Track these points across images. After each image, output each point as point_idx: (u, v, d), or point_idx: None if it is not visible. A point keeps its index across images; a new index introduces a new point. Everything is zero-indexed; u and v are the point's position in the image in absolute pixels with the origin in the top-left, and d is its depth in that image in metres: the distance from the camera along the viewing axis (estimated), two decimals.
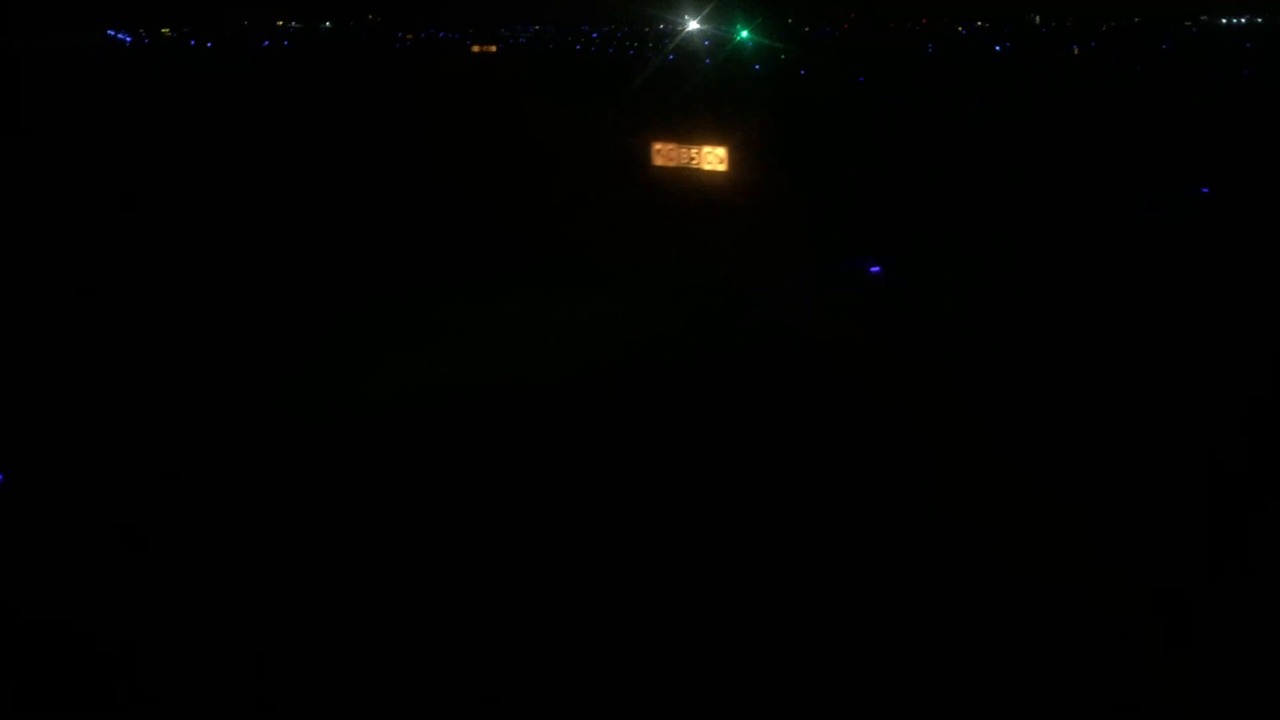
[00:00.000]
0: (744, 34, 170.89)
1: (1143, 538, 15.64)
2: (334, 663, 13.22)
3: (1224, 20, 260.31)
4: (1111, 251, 32.43)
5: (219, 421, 20.20)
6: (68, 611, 14.20)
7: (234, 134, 66.28)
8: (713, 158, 45.94)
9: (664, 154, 47.56)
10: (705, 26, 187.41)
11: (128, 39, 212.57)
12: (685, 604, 14.22)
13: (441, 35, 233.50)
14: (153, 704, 12.59)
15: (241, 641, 13.57)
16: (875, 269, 30.02)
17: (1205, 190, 40.63)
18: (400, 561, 15.47)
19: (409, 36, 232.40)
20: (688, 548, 15.65)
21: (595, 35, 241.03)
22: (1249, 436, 18.99)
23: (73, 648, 13.54)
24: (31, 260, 32.59)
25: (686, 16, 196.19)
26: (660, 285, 29.15)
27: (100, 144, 60.34)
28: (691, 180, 45.31)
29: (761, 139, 53.35)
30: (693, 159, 46.45)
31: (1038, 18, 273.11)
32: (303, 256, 33.54)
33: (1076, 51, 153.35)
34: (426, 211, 39.85)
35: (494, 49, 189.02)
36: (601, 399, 21.49)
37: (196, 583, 14.82)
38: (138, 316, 27.01)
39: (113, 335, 25.44)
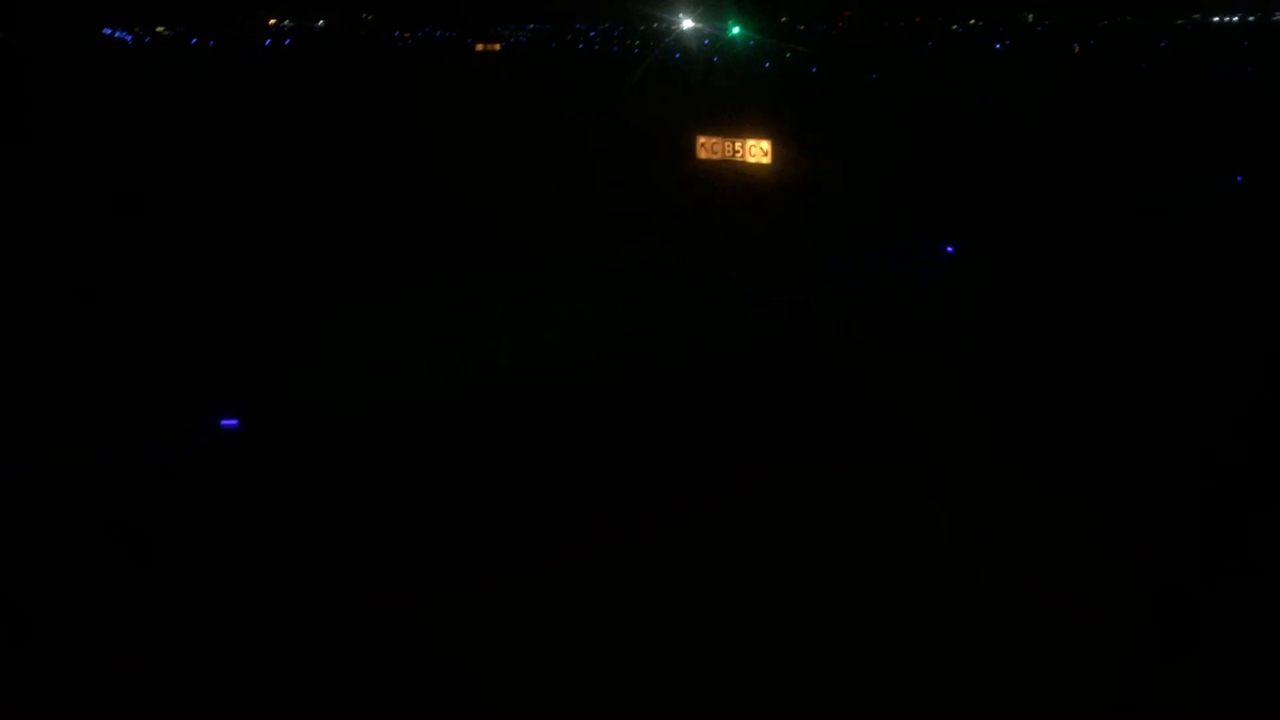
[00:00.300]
0: (735, 31, 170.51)
1: (1143, 537, 15.65)
2: (335, 661, 13.25)
3: (1215, 19, 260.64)
4: (1156, 239, 33.40)
5: (219, 420, 20.04)
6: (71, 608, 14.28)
7: (244, 133, 65.61)
8: (757, 150, 46.66)
9: (708, 147, 48.13)
10: (700, 25, 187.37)
11: (128, 38, 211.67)
12: (683, 605, 14.25)
13: (439, 34, 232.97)
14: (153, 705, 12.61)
15: (242, 641, 13.59)
16: (950, 248, 31.21)
17: (1239, 179, 42.35)
18: (401, 559, 15.50)
19: (406, 35, 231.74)
20: (687, 548, 15.66)
21: (593, 34, 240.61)
22: (1251, 436, 18.99)
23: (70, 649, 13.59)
24: (32, 260, 32.36)
25: (681, 15, 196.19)
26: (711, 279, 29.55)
27: (106, 143, 59.76)
28: (735, 172, 45.83)
29: (800, 133, 53.71)
30: (736, 152, 47.09)
31: (1030, 16, 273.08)
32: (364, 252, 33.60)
33: (1077, 49, 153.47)
34: (465, 210, 39.68)
35: (498, 47, 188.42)
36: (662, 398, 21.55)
37: (198, 584, 14.85)
38: (138, 317, 26.88)
39: (112, 336, 25.34)
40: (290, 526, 16.51)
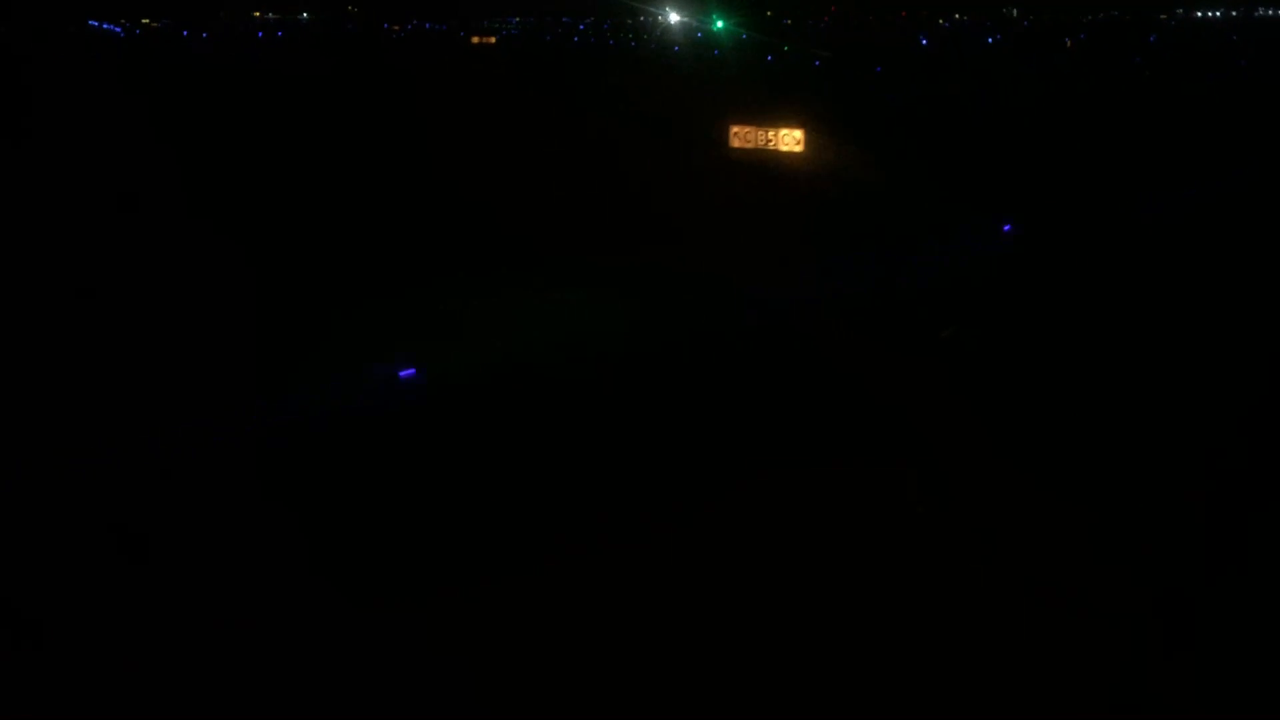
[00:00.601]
0: (720, 25, 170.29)
1: (1143, 537, 15.72)
2: (334, 660, 13.31)
3: (1198, 14, 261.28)
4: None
5: (221, 420, 20.22)
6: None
7: (244, 128, 64.82)
8: (790, 139, 47.05)
9: (741, 136, 48.51)
10: (686, 19, 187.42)
11: (118, 30, 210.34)
12: (682, 605, 14.32)
13: (428, 26, 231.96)
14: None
15: (243, 640, 13.66)
16: (1007, 227, 31.88)
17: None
18: (400, 558, 15.53)
19: (395, 28, 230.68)
20: (686, 549, 15.71)
21: (582, 27, 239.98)
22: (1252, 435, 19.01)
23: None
24: (30, 259, 32.18)
25: (667, 9, 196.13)
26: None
27: (105, 140, 59.03)
28: (768, 161, 46.31)
29: (826, 125, 53.98)
30: (769, 141, 47.47)
31: (1014, 11, 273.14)
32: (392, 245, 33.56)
33: (1069, 44, 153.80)
34: (498, 207, 39.37)
35: (493, 40, 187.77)
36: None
37: (199, 583, 14.91)
38: (137, 316, 26.84)
39: (111, 334, 25.31)
40: (289, 528, 16.59)
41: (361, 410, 20.34)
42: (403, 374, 21.04)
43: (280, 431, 19.62)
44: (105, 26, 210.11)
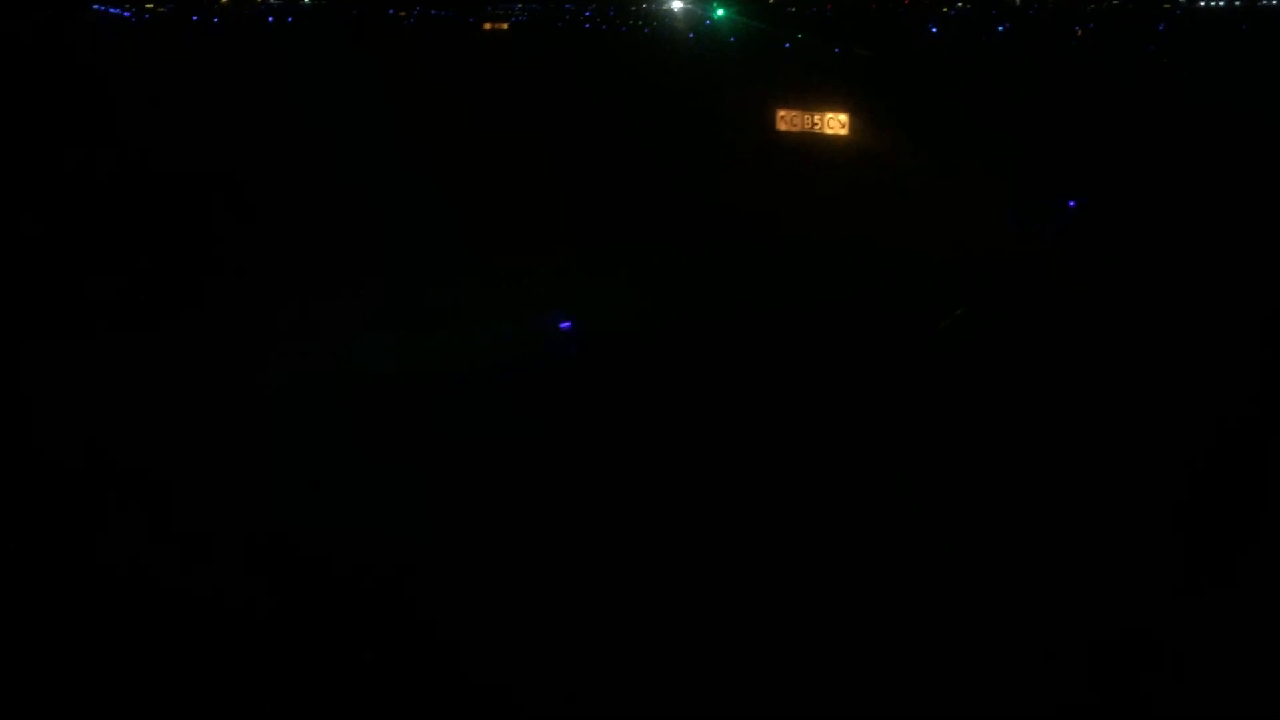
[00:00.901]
0: (720, 14, 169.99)
1: (1142, 536, 16.23)
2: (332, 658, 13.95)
3: (1202, 3, 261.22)
4: None
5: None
6: None
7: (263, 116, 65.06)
8: (835, 123, 48.15)
9: (788, 120, 49.59)
10: (689, 6, 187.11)
11: (127, 14, 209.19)
12: (681, 605, 14.80)
13: (433, 13, 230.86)
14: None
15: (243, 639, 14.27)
16: (1072, 203, 32.18)
17: None
18: (398, 553, 16.12)
19: (401, 14, 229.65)
20: (684, 548, 16.22)
21: (588, 13, 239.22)
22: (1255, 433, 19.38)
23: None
24: (31, 255, 33.05)
25: None
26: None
27: (110, 127, 59.66)
28: (815, 144, 47.47)
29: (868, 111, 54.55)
30: (815, 124, 48.51)
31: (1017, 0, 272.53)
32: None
33: (1080, 32, 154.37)
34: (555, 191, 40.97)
35: (505, 26, 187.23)
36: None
37: (201, 580, 15.52)
38: (137, 309, 27.81)
39: (111, 329, 26.27)
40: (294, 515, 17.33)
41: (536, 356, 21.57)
42: (562, 325, 22.23)
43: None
44: (113, 11, 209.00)
